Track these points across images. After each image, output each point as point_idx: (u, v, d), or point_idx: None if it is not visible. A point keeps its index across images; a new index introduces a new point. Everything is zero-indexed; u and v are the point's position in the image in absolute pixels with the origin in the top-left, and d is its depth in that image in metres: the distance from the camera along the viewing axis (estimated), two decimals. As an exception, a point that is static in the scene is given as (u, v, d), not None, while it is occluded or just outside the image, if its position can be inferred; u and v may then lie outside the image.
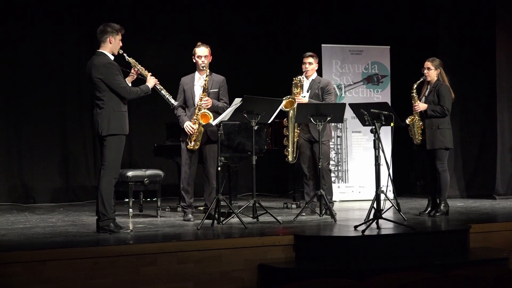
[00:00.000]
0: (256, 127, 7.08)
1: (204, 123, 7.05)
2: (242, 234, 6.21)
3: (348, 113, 8.50)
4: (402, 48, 10.44)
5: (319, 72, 8.36)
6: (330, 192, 7.74)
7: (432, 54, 7.75)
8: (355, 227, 6.40)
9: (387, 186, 7.62)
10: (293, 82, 7.73)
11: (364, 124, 6.91)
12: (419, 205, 8.56)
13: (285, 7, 10.90)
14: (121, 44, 6.31)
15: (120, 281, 5.36)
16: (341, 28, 10.87)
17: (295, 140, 7.74)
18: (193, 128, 7.13)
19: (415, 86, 7.41)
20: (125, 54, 6.35)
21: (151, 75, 6.50)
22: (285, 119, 7.78)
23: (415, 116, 7.42)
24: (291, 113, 7.66)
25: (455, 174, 9.87)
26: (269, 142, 8.23)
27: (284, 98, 7.46)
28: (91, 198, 9.49)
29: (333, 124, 8.80)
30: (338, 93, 9.90)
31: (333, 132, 8.90)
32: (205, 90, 7.14)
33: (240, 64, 10.56)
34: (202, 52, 7.25)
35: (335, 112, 7.36)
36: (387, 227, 6.55)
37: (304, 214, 7.48)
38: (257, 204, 7.03)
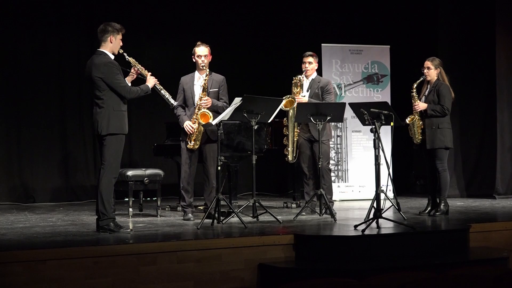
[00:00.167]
0: (256, 127, 7.08)
1: (203, 123, 7.05)
2: (242, 234, 6.20)
3: (348, 112, 8.50)
4: (402, 48, 10.44)
5: (319, 71, 8.36)
6: (330, 191, 7.74)
7: (432, 54, 7.75)
8: (355, 226, 6.40)
9: (387, 185, 7.62)
10: (293, 82, 7.73)
11: (364, 124, 6.90)
12: (419, 204, 8.56)
13: (285, 7, 10.90)
14: (121, 43, 6.31)
15: (120, 281, 5.36)
16: (341, 27, 10.88)
17: (295, 139, 7.74)
18: (192, 128, 7.13)
19: (415, 85, 7.41)
20: (125, 54, 6.35)
21: (151, 75, 6.51)
22: (285, 119, 7.78)
23: (415, 116, 7.42)
24: (291, 113, 7.66)
25: (455, 173, 9.87)
26: (269, 142, 8.24)
27: (284, 98, 7.46)
28: (91, 198, 9.49)
29: (333, 123, 8.80)
30: (338, 93, 9.91)
31: (333, 132, 8.90)
32: (204, 89, 7.14)
33: (240, 64, 10.55)
34: (202, 52, 7.25)
35: (335, 112, 7.36)
36: (387, 226, 6.55)
37: (304, 213, 7.48)
38: (257, 204, 7.03)
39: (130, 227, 6.69)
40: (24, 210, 8.71)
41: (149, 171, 7.79)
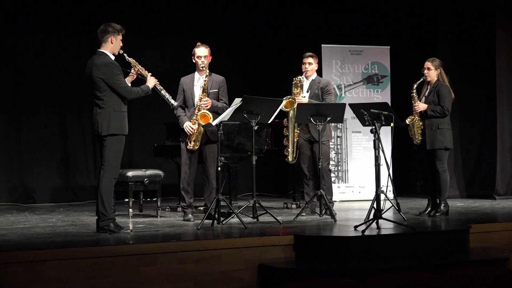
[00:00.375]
0: (256, 127, 7.08)
1: (203, 124, 7.05)
2: (242, 234, 6.20)
3: (348, 113, 8.50)
4: (402, 48, 10.45)
5: (319, 72, 8.36)
6: (330, 192, 7.74)
7: (432, 54, 7.75)
8: (355, 227, 6.40)
9: (387, 186, 7.62)
10: (293, 82, 7.73)
11: (364, 124, 6.91)
12: (419, 205, 8.57)
13: (285, 7, 10.90)
14: (121, 44, 6.31)
15: (120, 281, 5.36)
16: (341, 28, 10.88)
17: (295, 140, 7.74)
18: (192, 129, 7.13)
19: (415, 86, 7.41)
20: (125, 54, 6.35)
21: (151, 75, 6.51)
22: (285, 119, 7.78)
23: (415, 116, 7.42)
24: (291, 113, 7.66)
25: (455, 174, 9.87)
26: (269, 142, 8.24)
27: (284, 98, 7.46)
28: (91, 198, 9.49)
29: (333, 124, 8.81)
30: (338, 93, 9.91)
31: (333, 132, 8.91)
32: (204, 90, 7.14)
33: (240, 64, 10.55)
34: (201, 53, 7.25)
35: (335, 112, 7.36)
36: (387, 227, 6.55)
37: (304, 214, 7.48)
38: (257, 204, 7.03)
39: (130, 228, 6.69)
40: (24, 210, 8.71)
41: (149, 172, 7.79)
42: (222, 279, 5.70)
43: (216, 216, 6.80)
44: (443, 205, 7.41)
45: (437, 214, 7.37)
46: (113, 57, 6.28)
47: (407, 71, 9.44)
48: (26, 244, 5.67)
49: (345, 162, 9.96)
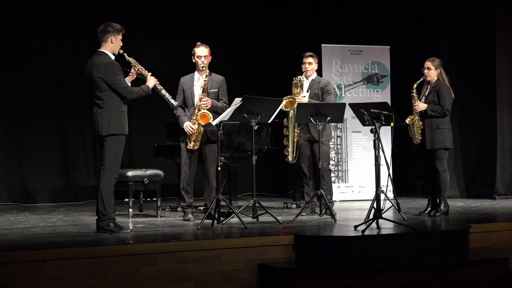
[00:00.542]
0: (256, 127, 7.08)
1: (203, 123, 7.05)
2: (242, 234, 6.20)
3: (348, 113, 8.50)
4: (402, 48, 10.45)
5: (319, 72, 8.37)
6: (330, 192, 7.74)
7: (432, 54, 7.75)
8: (355, 227, 6.40)
9: (387, 186, 7.62)
10: (293, 82, 7.73)
11: (364, 124, 6.91)
12: (419, 205, 8.56)
13: (285, 7, 10.90)
14: (121, 44, 6.31)
15: (120, 281, 5.36)
16: (341, 28, 10.87)
17: (295, 140, 7.74)
18: (192, 128, 7.13)
19: (415, 86, 7.41)
20: (125, 54, 6.35)
21: (151, 75, 6.51)
22: (285, 119, 7.78)
23: (415, 116, 7.42)
24: (291, 113, 7.66)
25: (455, 174, 9.87)
26: (269, 142, 8.24)
27: (284, 98, 7.46)
28: (91, 198, 9.50)
29: (333, 124, 8.81)
30: (338, 93, 9.91)
31: (333, 132, 8.91)
32: (204, 90, 7.14)
33: (240, 64, 10.55)
34: (201, 52, 7.25)
35: (335, 112, 7.36)
36: (387, 227, 6.55)
37: (304, 214, 7.48)
38: (257, 204, 7.03)
39: (130, 228, 6.69)
40: (24, 210, 8.71)
41: (149, 172, 7.79)
42: (222, 279, 5.70)
43: (216, 216, 6.80)
44: (443, 205, 7.41)
45: (437, 214, 7.37)
46: (113, 57, 6.27)
47: (407, 71, 9.44)
48: (26, 244, 5.67)
49: (345, 162, 9.96)
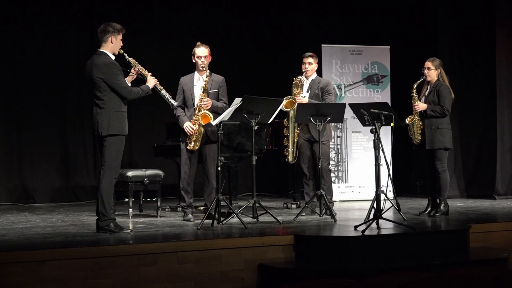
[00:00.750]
0: (256, 127, 7.08)
1: (204, 124, 7.05)
2: (242, 234, 6.20)
3: (348, 113, 8.50)
4: (402, 48, 10.44)
5: (319, 72, 8.37)
6: (330, 192, 7.74)
7: (432, 54, 7.75)
8: (355, 227, 6.40)
9: (387, 186, 7.62)
10: (293, 82, 7.73)
11: (364, 124, 6.91)
12: (419, 205, 8.57)
13: (285, 7, 10.90)
14: (121, 44, 6.31)
15: (120, 281, 5.36)
16: (341, 28, 10.88)
17: (295, 140, 7.74)
18: (192, 129, 7.13)
19: (415, 86, 7.41)
20: (125, 54, 6.34)
21: (151, 75, 6.50)
22: (285, 119, 7.78)
23: (414, 116, 7.42)
24: (291, 113, 7.66)
25: (455, 174, 9.87)
26: (269, 142, 8.23)
27: (284, 98, 7.46)
28: (91, 198, 9.50)
29: (333, 124, 8.81)
30: (338, 93, 9.91)
31: (333, 132, 8.91)
32: (205, 90, 7.14)
33: (240, 64, 10.55)
34: (201, 53, 7.25)
35: (335, 112, 7.36)
36: (387, 227, 6.55)
37: (304, 214, 7.48)
38: (257, 204, 7.03)
39: (130, 228, 6.69)
40: (24, 210, 8.71)
41: (149, 172, 7.79)
42: (222, 279, 5.70)
43: (216, 216, 6.80)
44: (443, 205, 7.41)
45: (437, 214, 7.37)
46: (113, 57, 6.27)
47: (407, 71, 9.44)
48: (26, 244, 5.67)
49: (345, 162, 9.96)
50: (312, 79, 7.80)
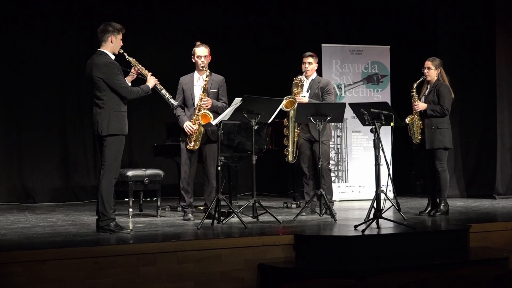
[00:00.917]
0: (256, 127, 7.08)
1: (204, 123, 7.05)
2: (242, 234, 6.20)
3: (348, 112, 8.50)
4: (402, 48, 10.45)
5: (319, 72, 8.37)
6: (330, 191, 7.74)
7: (432, 54, 7.75)
8: (355, 226, 6.40)
9: (387, 185, 7.62)
10: (293, 82, 7.73)
11: (364, 124, 6.90)
12: (419, 204, 8.56)
13: (285, 7, 10.90)
14: (121, 43, 6.31)
15: (120, 281, 5.36)
16: (341, 28, 10.88)
17: (295, 140, 7.74)
18: (192, 128, 7.13)
19: (415, 85, 7.41)
20: (125, 54, 6.34)
21: (151, 75, 6.50)
22: (285, 119, 7.78)
23: (414, 116, 7.42)
24: (291, 113, 7.66)
25: (455, 174, 9.87)
26: (269, 142, 8.23)
27: (284, 98, 7.46)
28: (90, 198, 9.50)
29: (333, 123, 8.80)
30: (338, 93, 9.91)
31: (333, 132, 8.90)
32: (205, 90, 7.14)
33: (240, 64, 10.56)
34: (201, 52, 7.25)
35: (335, 112, 7.36)
36: (387, 226, 6.55)
37: (304, 213, 7.48)
38: (257, 204, 7.03)
39: (130, 227, 6.69)
40: (24, 210, 8.71)
41: (149, 172, 7.79)
42: (222, 279, 5.70)
43: (216, 215, 6.80)
44: (443, 204, 7.41)
45: (437, 213, 7.37)
46: (113, 57, 6.27)
47: (407, 70, 9.44)
48: (26, 244, 5.67)
49: (345, 161, 9.96)
50: (312, 79, 7.80)
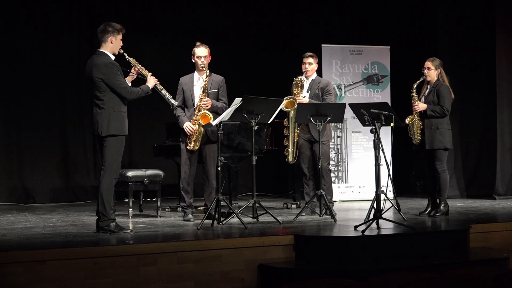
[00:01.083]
0: (256, 127, 7.08)
1: (204, 124, 7.05)
2: (242, 234, 6.20)
3: (348, 113, 8.50)
4: (402, 48, 10.44)
5: (319, 72, 8.37)
6: (330, 192, 7.74)
7: (432, 54, 7.75)
8: (355, 227, 6.40)
9: (387, 186, 7.62)
10: (293, 82, 7.73)
11: (364, 124, 6.91)
12: (419, 205, 8.56)
13: (285, 7, 10.90)
14: (121, 43, 6.30)
15: (120, 281, 5.36)
16: (341, 28, 10.87)
17: (295, 140, 7.74)
18: (192, 129, 7.13)
19: (415, 86, 7.41)
20: (125, 54, 6.34)
21: (151, 75, 6.50)
22: (285, 119, 7.78)
23: (414, 116, 7.42)
24: (292, 113, 7.66)
25: (455, 174, 9.87)
26: (269, 142, 8.24)
27: (285, 99, 7.46)
28: (91, 198, 9.50)
29: (333, 124, 8.80)
30: (338, 93, 9.91)
31: (333, 132, 8.91)
32: (205, 90, 7.14)
33: (240, 64, 10.55)
34: (201, 53, 7.25)
35: (335, 112, 7.36)
36: (387, 227, 6.55)
37: (304, 214, 7.48)
38: (257, 204, 7.03)
39: (130, 228, 6.69)
40: (24, 210, 8.71)
41: (149, 172, 7.79)
42: (222, 279, 5.70)
43: (216, 216, 6.80)
44: (443, 205, 7.41)
45: (437, 214, 7.37)
46: (113, 57, 6.27)
47: (407, 71, 9.43)
48: (26, 244, 5.67)
49: (345, 162, 9.96)
50: (312, 79, 7.80)
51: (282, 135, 7.86)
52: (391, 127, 6.85)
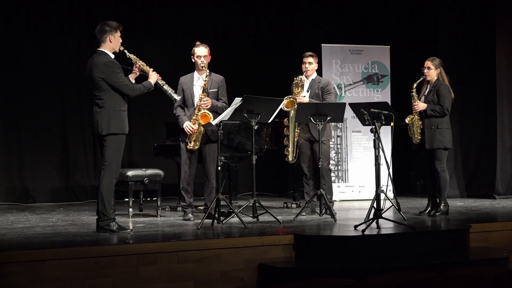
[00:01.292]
0: (256, 127, 7.08)
1: (204, 123, 7.05)
2: (242, 234, 6.20)
3: (348, 112, 8.51)
4: (402, 48, 10.44)
5: (319, 72, 8.37)
6: (330, 191, 7.74)
7: (432, 54, 7.75)
8: (355, 226, 6.40)
9: (387, 185, 7.62)
10: (294, 82, 7.73)
11: (364, 124, 6.91)
12: (419, 204, 8.56)
13: (285, 7, 10.90)
14: (121, 40, 6.29)
15: (120, 281, 5.36)
16: (341, 27, 10.88)
17: (295, 139, 7.74)
18: (192, 128, 7.13)
19: (415, 85, 7.41)
20: (126, 51, 6.32)
21: (153, 71, 6.48)
22: (285, 119, 7.78)
23: (414, 116, 7.42)
24: (292, 113, 7.66)
25: (455, 174, 9.87)
26: (269, 142, 8.23)
27: (285, 98, 7.46)
28: (90, 198, 9.50)
29: (333, 123, 8.80)
30: (338, 93, 9.91)
31: (333, 132, 8.90)
32: (204, 90, 7.14)
33: (240, 64, 10.55)
34: (201, 52, 7.25)
35: (335, 112, 7.36)
36: (387, 226, 6.55)
37: (304, 213, 7.48)
38: (257, 204, 7.03)
39: (130, 227, 6.69)
40: (24, 210, 8.71)
41: (149, 171, 7.79)
42: (222, 279, 5.70)
43: (216, 215, 6.80)
44: (443, 204, 7.41)
45: (437, 213, 7.37)
46: (113, 56, 6.26)
47: (407, 70, 9.44)
48: (26, 244, 5.67)
49: (345, 161, 9.96)
50: (312, 79, 7.80)
51: (282, 135, 7.86)
52: (391, 126, 6.85)
